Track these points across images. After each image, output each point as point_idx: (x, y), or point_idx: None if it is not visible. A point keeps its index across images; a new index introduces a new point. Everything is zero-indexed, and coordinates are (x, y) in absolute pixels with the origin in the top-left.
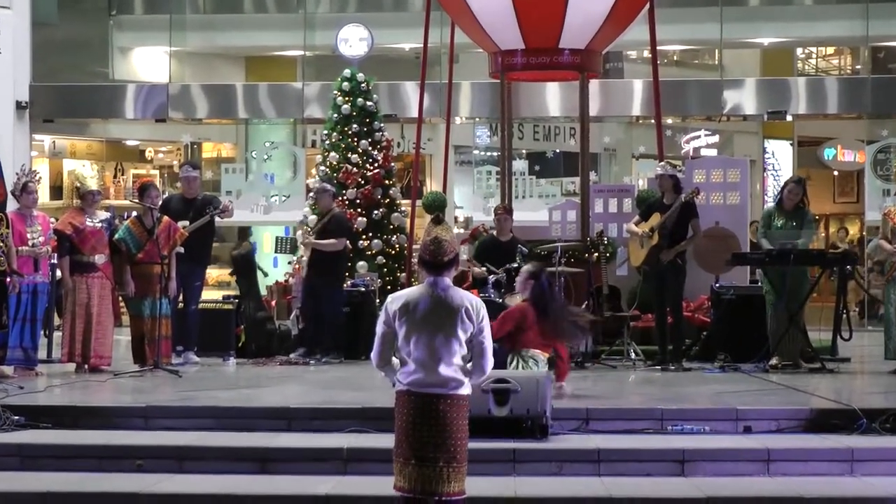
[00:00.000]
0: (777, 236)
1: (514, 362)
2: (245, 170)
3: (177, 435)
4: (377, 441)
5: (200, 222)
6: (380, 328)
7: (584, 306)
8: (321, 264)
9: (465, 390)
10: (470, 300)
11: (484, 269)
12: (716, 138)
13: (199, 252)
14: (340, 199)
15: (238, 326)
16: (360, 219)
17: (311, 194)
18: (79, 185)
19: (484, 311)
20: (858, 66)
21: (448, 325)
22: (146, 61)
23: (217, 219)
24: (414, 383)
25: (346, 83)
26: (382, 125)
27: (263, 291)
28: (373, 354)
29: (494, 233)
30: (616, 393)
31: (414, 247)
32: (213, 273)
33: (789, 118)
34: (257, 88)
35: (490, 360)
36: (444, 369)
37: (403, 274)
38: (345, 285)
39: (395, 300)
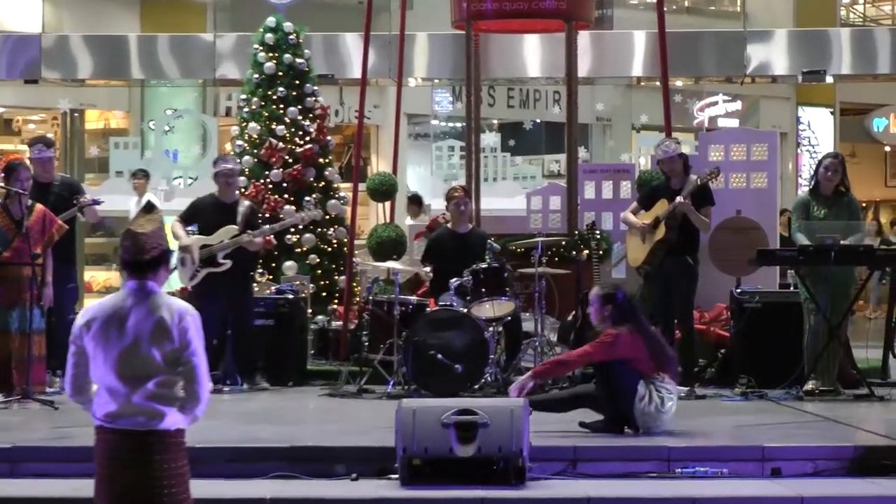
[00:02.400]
0: (821, 229)
1: (647, 395)
2: (140, 144)
3: (53, 483)
4: (309, 489)
5: (69, 214)
6: (70, 348)
7: (570, 316)
8: (243, 264)
9: (172, 424)
10: (170, 306)
11: (428, 269)
12: (737, 105)
13: (66, 248)
14: (262, 182)
15: None
16: (287, 207)
17: (221, 177)
18: None
19: (190, 321)
20: None
21: (143, 341)
22: (12, 5)
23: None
24: (107, 417)
25: (269, 35)
26: (316, 88)
27: None
28: (65, 382)
29: (449, 224)
30: None
31: (356, 242)
32: (100, 277)
33: (829, 80)
34: (156, 41)
35: (205, 386)
36: (138, 398)
37: (343, 277)
38: (267, 291)
39: (84, 313)
